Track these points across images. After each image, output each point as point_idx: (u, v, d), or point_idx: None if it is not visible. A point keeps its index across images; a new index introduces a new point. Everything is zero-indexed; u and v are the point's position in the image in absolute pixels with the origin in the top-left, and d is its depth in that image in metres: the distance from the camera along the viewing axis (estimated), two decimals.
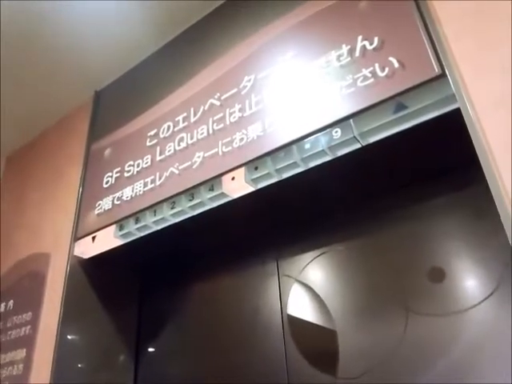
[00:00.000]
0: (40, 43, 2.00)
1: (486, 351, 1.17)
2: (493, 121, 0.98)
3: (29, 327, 1.79)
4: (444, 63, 1.10)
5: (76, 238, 1.84)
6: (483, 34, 1.06)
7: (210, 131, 1.56)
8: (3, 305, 1.98)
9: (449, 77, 1.08)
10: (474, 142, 1.00)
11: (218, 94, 1.60)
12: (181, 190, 1.54)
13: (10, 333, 1.85)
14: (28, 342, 1.74)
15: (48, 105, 2.33)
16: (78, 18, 1.90)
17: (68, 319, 1.70)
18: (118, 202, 1.73)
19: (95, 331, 1.80)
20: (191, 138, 1.61)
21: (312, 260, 1.61)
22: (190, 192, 1.52)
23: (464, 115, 1.03)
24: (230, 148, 1.46)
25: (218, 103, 1.59)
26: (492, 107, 0.99)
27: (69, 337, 1.69)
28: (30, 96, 2.26)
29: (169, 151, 1.67)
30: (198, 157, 1.54)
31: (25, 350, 1.74)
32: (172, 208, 1.55)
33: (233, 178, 1.42)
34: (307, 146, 1.28)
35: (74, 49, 2.04)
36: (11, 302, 1.96)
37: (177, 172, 1.59)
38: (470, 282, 1.28)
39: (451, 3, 1.14)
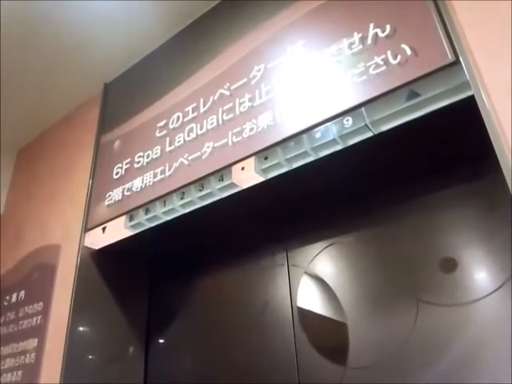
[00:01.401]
0: (50, 38, 2.01)
1: (497, 341, 1.16)
2: (508, 109, 0.96)
3: (40, 317, 1.81)
4: (458, 50, 1.08)
5: (86, 229, 1.86)
6: (498, 21, 1.04)
7: (220, 121, 1.55)
8: (15, 295, 2.00)
9: (463, 64, 1.06)
10: (488, 130, 0.98)
11: (228, 84, 1.59)
12: (190, 180, 1.54)
13: (21, 322, 1.87)
14: (40, 332, 1.76)
15: (58, 98, 2.34)
16: (87, 13, 1.90)
17: (78, 310, 1.72)
18: (128, 193, 1.74)
19: (105, 322, 1.81)
20: (201, 129, 1.61)
21: (321, 250, 1.60)
22: (200, 182, 1.52)
23: (478, 103, 1.01)
24: (239, 138, 1.45)
25: (227, 93, 1.58)
26: (507, 95, 0.97)
27: (79, 327, 1.71)
28: (40, 89, 2.27)
29: (178, 142, 1.66)
30: (208, 147, 1.54)
31: (37, 339, 1.76)
32: (182, 198, 1.55)
33: (242, 168, 1.42)
34: (318, 135, 1.27)
35: (83, 42, 2.04)
36: (22, 293, 1.98)
37: (186, 162, 1.59)
38: (481, 272, 1.27)
39: None
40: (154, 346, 1.94)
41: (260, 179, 1.42)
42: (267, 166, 1.37)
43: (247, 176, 1.42)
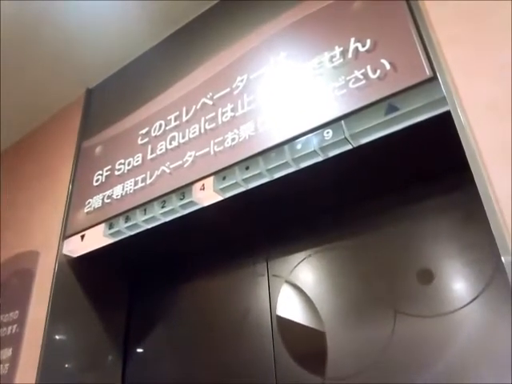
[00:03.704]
0: (32, 42, 1.99)
1: (474, 352, 1.17)
2: (483, 124, 0.98)
3: (16, 326, 1.77)
4: (435, 66, 1.10)
5: (65, 236, 1.83)
6: (475, 39, 1.07)
7: (202, 130, 1.55)
8: None
9: (440, 80, 1.09)
10: (463, 144, 1.00)
11: (211, 94, 1.60)
12: (172, 188, 1.53)
13: None
14: (15, 341, 1.72)
15: (39, 102, 2.31)
16: (70, 15, 1.88)
17: (56, 318, 1.68)
18: (108, 201, 1.72)
19: (83, 331, 1.78)
20: (183, 137, 1.61)
21: (302, 261, 1.61)
22: (181, 191, 1.51)
23: (454, 118, 1.04)
24: (221, 147, 1.45)
25: (210, 102, 1.59)
26: (482, 111, 0.99)
27: (56, 336, 1.68)
28: (21, 93, 2.24)
29: (160, 150, 1.66)
30: (190, 156, 1.53)
31: (11, 349, 1.72)
32: (162, 207, 1.55)
33: (224, 178, 1.42)
34: (299, 146, 1.28)
35: (67, 46, 2.02)
36: None
37: (168, 171, 1.58)
38: (458, 283, 1.29)
39: (444, 7, 1.14)
40: (131, 355, 1.91)
41: (241, 189, 1.42)
42: (249, 175, 1.37)
43: (228, 185, 1.42)
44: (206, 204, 1.49)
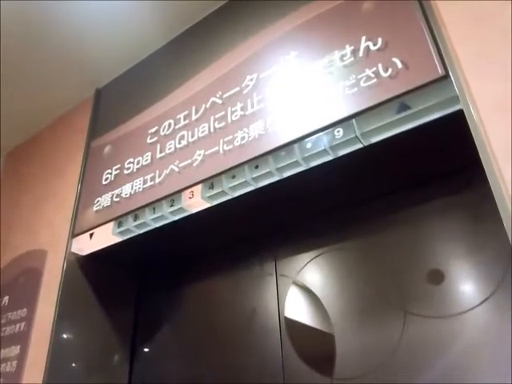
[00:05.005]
0: (41, 41, 2.00)
1: (484, 354, 1.16)
2: (496, 123, 0.98)
3: (24, 324, 1.77)
4: (448, 65, 1.10)
5: (73, 234, 1.83)
6: (487, 38, 1.06)
7: (212, 129, 1.55)
8: None
9: (452, 78, 1.08)
10: (476, 144, 0.99)
11: (220, 93, 1.60)
12: (180, 187, 1.53)
13: (4, 329, 1.83)
14: (23, 339, 1.73)
15: (48, 102, 2.32)
16: (80, 16, 1.89)
17: (63, 316, 1.69)
18: (117, 199, 1.73)
19: (91, 329, 1.78)
20: (192, 136, 1.61)
21: (310, 261, 1.60)
22: (190, 190, 1.51)
23: (467, 117, 1.03)
24: (231, 146, 1.45)
25: (219, 101, 1.59)
26: (495, 110, 0.99)
27: (64, 335, 1.68)
28: (30, 93, 2.26)
29: (169, 149, 1.66)
30: (199, 155, 1.54)
31: (19, 346, 1.73)
32: (171, 206, 1.55)
33: (233, 177, 1.42)
34: (309, 145, 1.28)
35: (76, 46, 2.04)
36: (6, 299, 1.94)
37: (177, 170, 1.58)
38: (468, 284, 1.28)
39: (456, 6, 1.14)
40: (139, 354, 1.91)
41: (250, 188, 1.42)
42: (258, 174, 1.37)
43: (238, 184, 1.42)
44: (215, 203, 1.49)
